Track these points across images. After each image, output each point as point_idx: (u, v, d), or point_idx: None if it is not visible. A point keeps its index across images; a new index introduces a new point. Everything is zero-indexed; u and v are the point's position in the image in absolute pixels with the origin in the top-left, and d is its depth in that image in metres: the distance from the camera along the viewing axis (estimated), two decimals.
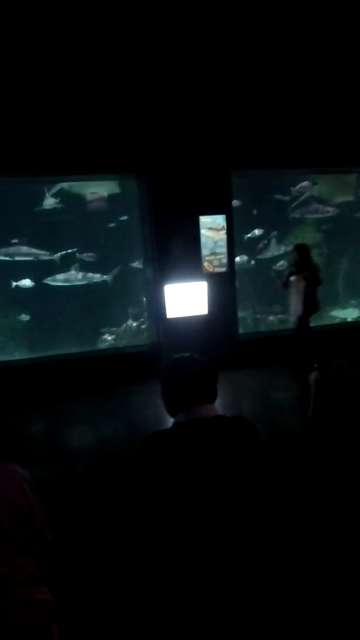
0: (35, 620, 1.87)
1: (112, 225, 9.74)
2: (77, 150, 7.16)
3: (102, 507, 3.80)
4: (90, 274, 9.54)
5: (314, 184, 10.59)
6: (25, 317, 9.53)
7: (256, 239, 10.66)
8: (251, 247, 10.62)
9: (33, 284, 9.30)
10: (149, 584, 1.84)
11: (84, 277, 9.47)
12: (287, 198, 10.77)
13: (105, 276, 9.57)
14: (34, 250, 9.22)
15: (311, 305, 7.13)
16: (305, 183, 10.60)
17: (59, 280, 9.44)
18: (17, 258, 9.12)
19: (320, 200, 10.86)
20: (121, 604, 2.64)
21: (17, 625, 1.81)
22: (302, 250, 7.21)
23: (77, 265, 9.46)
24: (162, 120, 7.43)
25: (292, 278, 7.16)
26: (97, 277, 9.57)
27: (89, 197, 9.60)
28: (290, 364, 7.18)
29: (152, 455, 1.85)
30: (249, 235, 10.54)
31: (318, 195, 10.84)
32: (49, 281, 9.37)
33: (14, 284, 9.11)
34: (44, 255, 9.31)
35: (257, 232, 10.59)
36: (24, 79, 6.83)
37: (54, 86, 6.94)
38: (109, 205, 9.68)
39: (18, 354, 8.87)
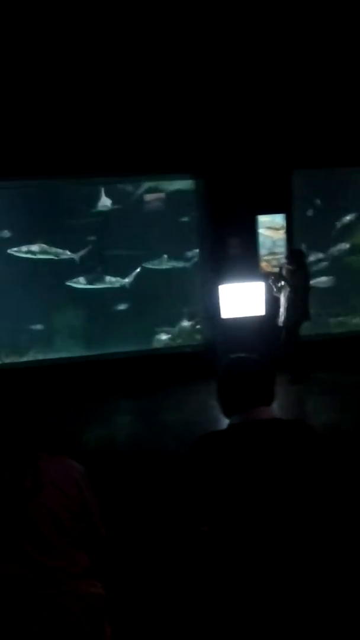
0: (88, 613, 1.90)
1: (169, 225, 9.79)
2: (134, 151, 7.26)
3: (156, 506, 3.81)
4: (145, 273, 9.63)
5: None
6: (82, 315, 9.74)
7: (318, 237, 10.36)
8: (312, 246, 10.34)
9: (89, 282, 9.48)
10: (201, 585, 1.82)
11: (139, 276, 9.57)
12: (348, 197, 10.43)
13: (160, 276, 9.63)
14: (91, 250, 9.40)
15: (297, 313, 6.91)
16: None
17: (115, 279, 9.58)
18: (75, 257, 9.33)
19: None
20: (172, 603, 2.64)
21: (70, 617, 1.85)
22: (293, 256, 7.01)
23: (132, 264, 9.56)
24: (219, 120, 7.39)
25: (281, 284, 6.98)
26: (152, 276, 9.65)
27: (147, 197, 9.69)
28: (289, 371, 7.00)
29: (206, 455, 1.84)
30: (310, 233, 10.27)
31: None
32: (105, 280, 9.53)
33: (72, 284, 9.29)
34: (100, 254, 9.47)
35: (318, 230, 10.29)
36: (83, 82, 6.98)
37: (112, 88, 7.06)
38: (166, 205, 9.73)
39: (75, 351, 9.08)
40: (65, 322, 9.69)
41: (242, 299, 7.30)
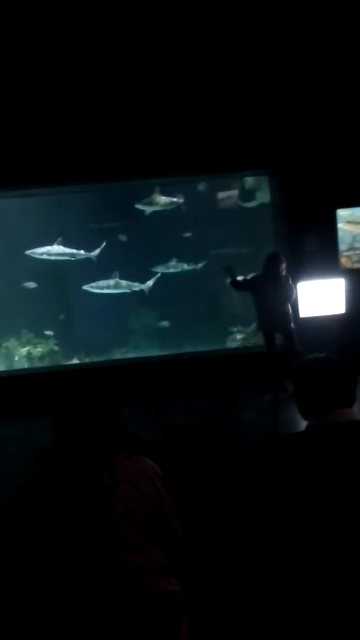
0: (165, 610, 1.92)
1: (244, 222, 9.71)
2: (210, 149, 7.25)
3: (234, 508, 3.79)
4: (220, 272, 9.60)
5: None
6: (157, 315, 9.89)
7: None
8: None
9: (163, 282, 9.58)
10: (279, 588, 1.80)
11: (213, 275, 9.56)
12: None
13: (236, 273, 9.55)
14: (163, 248, 9.50)
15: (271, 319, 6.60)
16: None
17: (188, 278, 9.63)
18: (148, 256, 9.48)
19: None
20: (248, 604, 2.61)
21: (148, 613, 1.88)
22: (268, 260, 6.64)
23: (206, 263, 9.57)
24: (295, 111, 7.23)
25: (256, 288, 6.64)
26: (227, 274, 9.61)
27: (221, 194, 9.68)
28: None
29: (284, 458, 1.82)
30: None
31: None
32: (179, 279, 9.59)
33: (147, 283, 9.44)
34: (175, 253, 9.56)
35: None
36: (156, 78, 7.05)
37: (184, 84, 7.08)
38: (241, 202, 9.66)
39: (150, 351, 9.23)
40: (141, 322, 9.89)
41: (321, 297, 7.09)
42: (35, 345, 9.07)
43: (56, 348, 9.17)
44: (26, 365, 8.78)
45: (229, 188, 9.80)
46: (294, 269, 7.20)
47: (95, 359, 8.93)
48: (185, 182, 8.99)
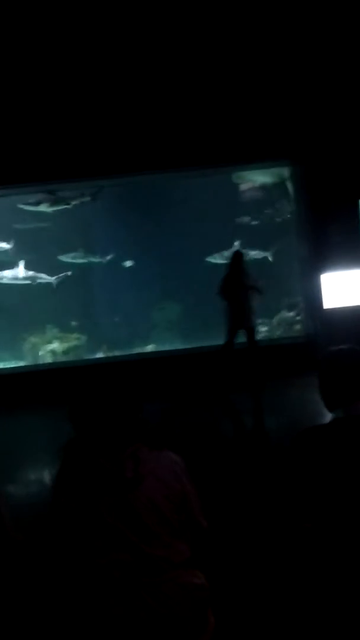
0: (191, 602, 1.93)
1: (266, 214, 9.64)
2: (232, 140, 7.19)
3: (259, 500, 3.78)
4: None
5: None
6: (179, 309, 9.89)
7: None
8: None
9: (185, 275, 9.57)
10: (304, 580, 1.79)
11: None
12: None
13: (256, 265, 9.49)
14: (185, 243, 9.48)
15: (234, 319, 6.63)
16: None
17: (209, 271, 9.58)
18: (171, 251, 9.48)
19: None
20: (275, 596, 2.60)
21: (173, 605, 1.89)
22: (232, 259, 6.74)
23: (228, 255, 9.50)
24: (317, 102, 7.12)
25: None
26: (249, 266, 9.54)
27: (242, 186, 9.60)
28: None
29: (309, 450, 1.82)
30: None
31: None
32: (201, 273, 9.55)
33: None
34: (195, 247, 9.52)
35: None
36: (180, 70, 7.02)
37: (207, 74, 7.04)
38: (261, 193, 9.58)
39: (173, 345, 9.24)
40: (163, 316, 9.90)
41: (345, 288, 6.99)
42: (60, 340, 9.18)
43: (80, 342, 9.25)
44: (50, 360, 8.89)
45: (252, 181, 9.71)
46: (317, 260, 7.12)
47: (118, 353, 8.98)
48: (207, 174, 8.95)
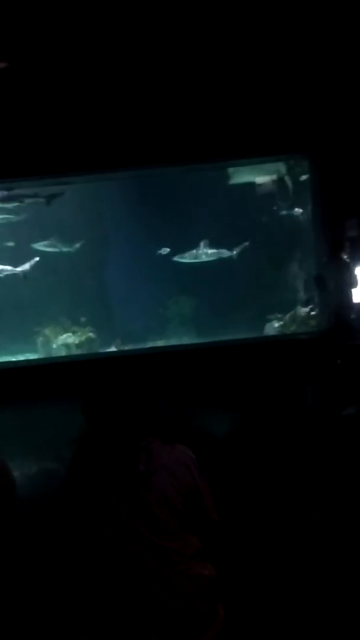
0: (201, 594, 1.95)
1: (282, 210, 9.57)
2: (249, 133, 7.14)
3: (269, 494, 3.79)
4: (257, 260, 9.50)
5: None
6: (194, 303, 9.87)
7: None
8: None
9: (200, 269, 9.54)
10: (312, 573, 1.80)
11: (251, 263, 9.47)
12: None
13: (270, 260, 9.46)
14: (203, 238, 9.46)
15: None
16: None
17: (226, 266, 9.56)
18: (184, 245, 9.45)
19: None
20: (283, 589, 2.61)
21: (184, 597, 1.91)
22: None
23: (242, 250, 9.47)
24: (335, 97, 7.06)
25: None
26: (265, 262, 9.50)
27: (258, 180, 9.54)
28: None
29: (318, 446, 1.79)
30: None
31: None
32: (217, 266, 9.54)
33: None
34: (212, 241, 9.50)
35: None
36: (195, 66, 6.96)
37: (223, 67, 6.96)
38: (278, 189, 9.51)
39: (187, 339, 9.24)
40: (177, 310, 9.91)
41: None
42: (73, 333, 9.22)
43: (94, 336, 9.29)
44: (64, 353, 8.94)
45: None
46: (335, 255, 7.08)
47: (132, 347, 9.01)
48: (224, 167, 8.92)
